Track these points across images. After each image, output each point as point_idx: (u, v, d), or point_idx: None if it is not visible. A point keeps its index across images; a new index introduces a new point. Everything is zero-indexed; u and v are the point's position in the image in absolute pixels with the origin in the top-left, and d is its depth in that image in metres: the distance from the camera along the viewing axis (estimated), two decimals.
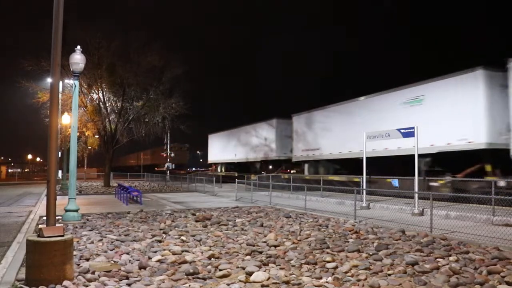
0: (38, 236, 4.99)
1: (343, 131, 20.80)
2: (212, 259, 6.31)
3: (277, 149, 27.66)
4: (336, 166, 22.64)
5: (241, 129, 33.71)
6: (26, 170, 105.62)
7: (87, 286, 4.84)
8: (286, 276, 5.26)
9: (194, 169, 54.26)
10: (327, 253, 6.60)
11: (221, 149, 38.10)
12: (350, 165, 20.60)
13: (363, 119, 19.27)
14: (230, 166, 37.51)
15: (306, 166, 24.38)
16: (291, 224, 9.85)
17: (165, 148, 45.67)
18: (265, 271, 5.47)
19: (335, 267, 5.72)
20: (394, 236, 7.98)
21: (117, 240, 7.67)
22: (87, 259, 6.10)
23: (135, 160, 68.20)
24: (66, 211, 10.44)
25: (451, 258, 6.14)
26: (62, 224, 6.00)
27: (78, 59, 10.71)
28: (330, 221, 10.31)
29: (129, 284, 4.95)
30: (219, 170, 39.60)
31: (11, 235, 8.92)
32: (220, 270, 5.58)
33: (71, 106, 12.46)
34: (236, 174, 29.12)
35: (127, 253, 6.54)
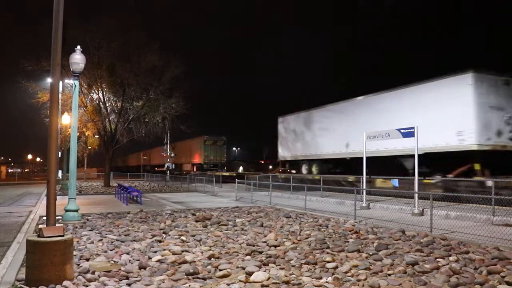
0: (38, 236, 4.99)
1: None
2: (212, 259, 6.31)
3: (471, 130, 14.21)
4: None
5: (371, 98, 19.36)
6: (26, 170, 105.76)
7: (87, 286, 4.84)
8: (286, 276, 5.26)
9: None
10: (327, 253, 6.60)
11: (317, 137, 23.68)
12: None
13: None
14: (328, 165, 23.51)
15: None
16: (291, 224, 9.85)
17: (165, 148, 45.59)
18: (265, 271, 5.47)
19: (335, 267, 5.72)
20: (394, 236, 7.98)
21: (117, 240, 7.67)
22: (87, 259, 6.10)
23: (143, 160, 65.78)
24: (66, 211, 10.44)
25: (451, 258, 6.14)
26: (62, 224, 6.01)
27: (78, 59, 10.72)
28: (330, 221, 10.32)
29: (129, 284, 4.95)
30: (303, 171, 25.55)
31: (11, 235, 8.92)
32: (220, 270, 5.58)
33: (71, 106, 12.46)
34: (351, 179, 18.30)
35: (127, 253, 6.54)
